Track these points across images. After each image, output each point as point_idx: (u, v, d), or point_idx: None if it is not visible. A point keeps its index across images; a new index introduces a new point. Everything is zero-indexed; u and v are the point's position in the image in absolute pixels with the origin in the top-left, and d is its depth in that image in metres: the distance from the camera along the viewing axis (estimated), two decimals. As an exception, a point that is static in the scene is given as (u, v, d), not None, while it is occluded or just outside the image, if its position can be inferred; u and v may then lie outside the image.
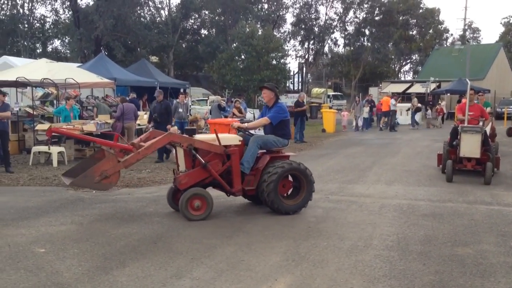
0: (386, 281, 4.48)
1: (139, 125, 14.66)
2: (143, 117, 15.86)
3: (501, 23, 79.54)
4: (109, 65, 21.69)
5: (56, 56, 40.29)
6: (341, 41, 57.73)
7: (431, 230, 6.21)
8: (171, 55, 40.05)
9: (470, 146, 9.64)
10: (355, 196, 8.36)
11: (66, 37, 40.64)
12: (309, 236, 5.93)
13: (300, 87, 47.32)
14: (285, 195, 7.10)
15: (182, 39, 44.12)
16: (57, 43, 45.34)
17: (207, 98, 27.49)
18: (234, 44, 30.48)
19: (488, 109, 14.60)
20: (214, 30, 45.37)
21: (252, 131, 7.49)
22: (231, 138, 7.08)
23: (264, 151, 7.13)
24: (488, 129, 13.16)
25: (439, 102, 29.14)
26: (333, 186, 9.27)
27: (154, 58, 42.21)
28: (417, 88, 37.11)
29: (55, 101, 15.58)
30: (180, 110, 15.18)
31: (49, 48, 44.95)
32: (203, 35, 45.51)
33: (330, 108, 26.30)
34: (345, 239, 5.79)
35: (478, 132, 9.60)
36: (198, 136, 6.95)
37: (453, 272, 4.71)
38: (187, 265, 4.86)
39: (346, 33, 55.47)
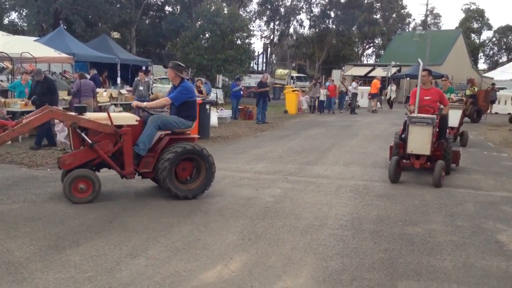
0: (339, 259, 4.61)
1: (98, 102, 14.34)
2: (103, 94, 15.53)
3: (461, 9, 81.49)
4: (68, 39, 21.05)
5: (13, 29, 38.66)
6: (306, 23, 58.05)
7: (384, 210, 6.40)
8: (133, 32, 39.15)
9: (419, 141, 8.15)
10: (313, 177, 8.50)
11: (24, 9, 39.00)
12: (266, 215, 6.02)
13: (264, 68, 47.31)
14: (188, 178, 6.80)
15: (145, 15, 43.17)
16: (14, 15, 43.54)
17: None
18: (199, 22, 30.02)
19: (453, 95, 14.74)
20: (178, 7, 44.57)
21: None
22: (125, 118, 6.72)
23: (169, 132, 6.79)
24: (457, 118, 13.21)
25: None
26: (292, 167, 9.39)
27: (115, 34, 41.10)
28: (379, 72, 37.68)
29: (10, 76, 15.08)
30: (141, 88, 14.98)
31: (6, 21, 43.11)
32: (167, 12, 44.67)
33: (294, 89, 26.42)
34: (302, 219, 5.90)
35: (429, 125, 8.10)
36: (88, 115, 6.57)
37: (402, 250, 4.89)
38: (143, 244, 4.86)
39: (311, 14, 55.68)
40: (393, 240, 5.18)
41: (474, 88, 21.31)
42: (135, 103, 7.27)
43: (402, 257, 4.70)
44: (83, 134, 6.28)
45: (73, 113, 6.48)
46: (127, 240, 4.95)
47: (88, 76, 15.89)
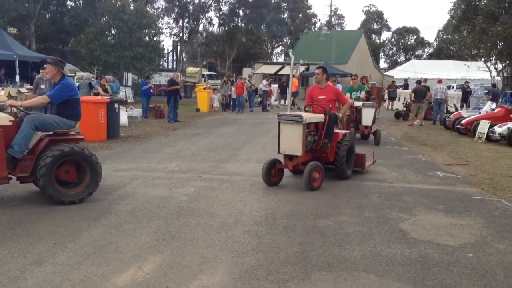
0: (254, 255, 4.66)
1: (-5, 101, 13.33)
2: (0, 93, 14.46)
3: (362, 11, 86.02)
4: (-43, 34, 19.41)
5: None
6: (216, 21, 57.99)
7: (297, 205, 6.57)
8: (32, 27, 36.74)
9: (289, 141, 7.60)
10: (227, 175, 8.52)
11: None
12: (181, 215, 5.94)
13: (174, 66, 46.68)
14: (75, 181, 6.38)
15: (45, 9, 40.68)
16: None
17: (73, 75, 25.86)
18: (104, 18, 28.95)
19: (363, 93, 15.39)
20: (81, 1, 42.57)
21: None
22: None
23: (51, 133, 6.35)
24: (370, 117, 13.75)
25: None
26: (205, 165, 9.35)
27: (12, 29, 38.42)
28: (288, 70, 38.69)
29: None
30: (43, 86, 14.14)
31: None
32: (69, 7, 42.47)
33: (207, 88, 26.38)
34: (216, 217, 5.89)
35: (298, 123, 7.50)
36: None
37: (314, 243, 5.05)
38: (50, 250, 4.59)
39: (221, 13, 55.83)
40: (306, 234, 5.34)
41: (370, 85, 22.65)
42: (9, 101, 6.65)
43: (315, 250, 4.85)
44: None
45: None
46: (32, 247, 4.65)
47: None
